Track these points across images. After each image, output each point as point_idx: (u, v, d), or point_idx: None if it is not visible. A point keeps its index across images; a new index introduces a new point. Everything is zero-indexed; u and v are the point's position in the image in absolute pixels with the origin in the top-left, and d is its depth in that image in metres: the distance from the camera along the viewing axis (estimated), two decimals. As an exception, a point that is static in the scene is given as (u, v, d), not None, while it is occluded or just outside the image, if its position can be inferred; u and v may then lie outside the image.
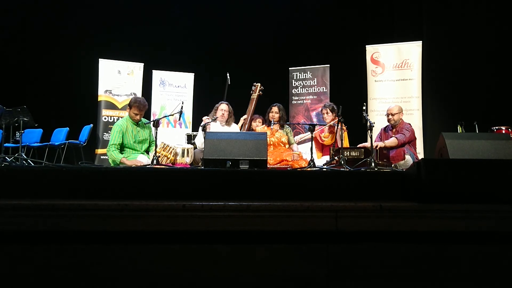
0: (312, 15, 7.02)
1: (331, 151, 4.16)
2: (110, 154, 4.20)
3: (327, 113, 4.82)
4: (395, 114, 4.50)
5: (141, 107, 4.33)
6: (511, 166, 2.25)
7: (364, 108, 3.85)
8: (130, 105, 4.35)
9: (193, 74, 6.87)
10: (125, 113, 5.00)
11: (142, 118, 4.40)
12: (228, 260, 2.08)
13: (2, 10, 6.58)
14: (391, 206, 2.10)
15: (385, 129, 4.71)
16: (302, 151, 4.89)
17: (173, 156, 4.01)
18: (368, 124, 3.70)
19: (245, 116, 4.96)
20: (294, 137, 5.03)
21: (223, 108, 4.70)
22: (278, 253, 2.09)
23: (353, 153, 3.95)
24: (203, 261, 2.07)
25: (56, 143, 5.99)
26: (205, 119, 4.56)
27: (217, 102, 4.83)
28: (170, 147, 4.05)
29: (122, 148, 4.28)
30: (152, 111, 6.54)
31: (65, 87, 6.68)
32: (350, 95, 5.96)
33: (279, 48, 7.07)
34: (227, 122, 4.75)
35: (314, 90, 6.60)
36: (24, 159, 4.41)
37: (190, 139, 5.55)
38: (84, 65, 6.59)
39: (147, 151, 4.42)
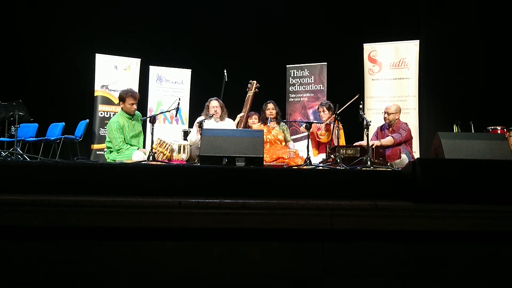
0: (310, 13, 7.01)
1: (327, 149, 4.17)
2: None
3: (323, 111, 4.82)
4: (391, 113, 4.51)
5: (135, 94, 4.27)
6: (506, 166, 2.26)
7: (360, 106, 3.85)
8: (122, 99, 4.24)
9: (190, 70, 6.86)
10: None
11: (136, 112, 4.36)
12: (223, 258, 2.08)
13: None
14: (386, 205, 2.10)
15: (381, 128, 4.72)
16: (299, 149, 4.90)
17: (169, 152, 4.00)
18: (365, 122, 3.71)
19: (241, 114, 4.95)
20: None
21: (214, 104, 4.67)
22: (273, 251, 2.10)
23: (349, 152, 3.96)
24: (198, 258, 2.07)
25: (52, 138, 5.96)
26: (199, 119, 4.52)
27: (212, 99, 4.81)
28: (167, 143, 4.04)
29: None
30: (148, 107, 6.53)
31: (62, 82, 6.65)
32: (347, 93, 5.95)
33: (276, 45, 7.06)
34: (221, 117, 4.72)
35: (311, 87, 6.60)
36: (20, 154, 4.41)
37: (186, 135, 5.54)
38: (80, 59, 6.56)
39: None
